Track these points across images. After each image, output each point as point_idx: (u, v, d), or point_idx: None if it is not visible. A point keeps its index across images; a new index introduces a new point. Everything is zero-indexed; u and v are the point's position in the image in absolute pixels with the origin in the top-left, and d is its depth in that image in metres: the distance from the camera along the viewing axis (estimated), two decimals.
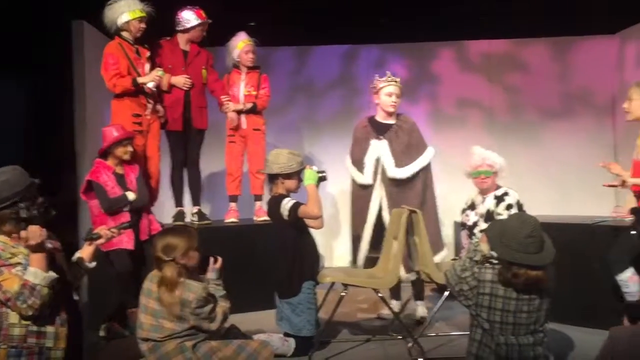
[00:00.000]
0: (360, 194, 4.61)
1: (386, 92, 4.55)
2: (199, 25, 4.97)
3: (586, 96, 6.80)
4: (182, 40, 5.02)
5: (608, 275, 3.87)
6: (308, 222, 3.91)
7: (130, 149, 4.31)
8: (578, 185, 6.55)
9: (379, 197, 4.54)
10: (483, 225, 4.38)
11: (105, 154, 4.29)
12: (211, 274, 3.20)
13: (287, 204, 3.83)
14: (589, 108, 6.80)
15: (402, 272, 4.27)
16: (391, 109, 4.58)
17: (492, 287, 2.84)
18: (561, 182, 6.67)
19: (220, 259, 3.23)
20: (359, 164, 4.60)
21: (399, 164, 4.51)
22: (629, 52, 6.48)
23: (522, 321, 2.83)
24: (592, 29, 6.54)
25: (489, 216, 4.42)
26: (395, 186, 4.53)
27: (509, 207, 4.38)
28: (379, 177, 4.54)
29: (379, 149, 4.55)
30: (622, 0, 5.51)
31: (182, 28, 4.99)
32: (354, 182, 4.67)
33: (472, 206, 4.61)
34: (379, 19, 6.24)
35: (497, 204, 4.43)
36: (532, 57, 6.89)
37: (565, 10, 5.87)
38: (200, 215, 5.11)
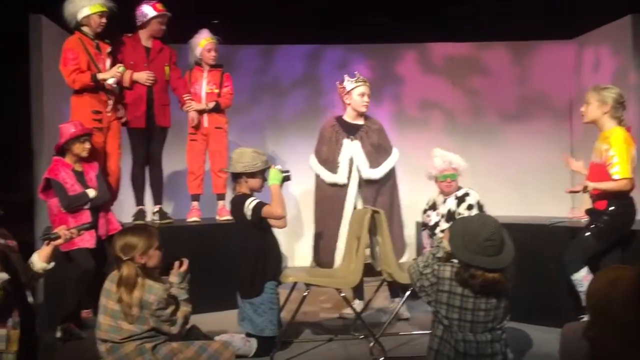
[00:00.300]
0: (330, 193, 4.59)
1: (358, 93, 4.57)
2: (156, 17, 4.89)
3: (545, 100, 6.95)
4: (143, 36, 4.94)
5: (564, 275, 3.97)
6: (271, 222, 3.89)
7: (88, 145, 4.21)
8: (536, 186, 6.69)
9: (353, 196, 4.55)
10: (444, 225, 4.44)
11: (62, 151, 4.19)
12: (174, 278, 3.14)
13: (250, 203, 3.81)
14: (548, 111, 6.95)
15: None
16: (364, 109, 4.60)
17: (451, 285, 2.86)
18: (520, 184, 6.80)
19: (186, 262, 3.17)
20: (329, 163, 4.58)
21: (372, 164, 4.54)
22: (586, 57, 6.65)
23: (480, 319, 2.86)
24: (550, 34, 6.69)
25: (450, 216, 4.49)
26: (369, 186, 4.55)
27: (470, 207, 4.47)
28: (353, 176, 4.55)
29: (352, 149, 4.57)
30: (580, 7, 5.65)
31: (140, 22, 4.91)
32: (321, 181, 4.65)
33: (433, 206, 4.67)
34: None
35: (459, 204, 4.50)
36: (493, 60, 7.01)
37: (525, 15, 5.99)
38: (162, 214, 5.05)
